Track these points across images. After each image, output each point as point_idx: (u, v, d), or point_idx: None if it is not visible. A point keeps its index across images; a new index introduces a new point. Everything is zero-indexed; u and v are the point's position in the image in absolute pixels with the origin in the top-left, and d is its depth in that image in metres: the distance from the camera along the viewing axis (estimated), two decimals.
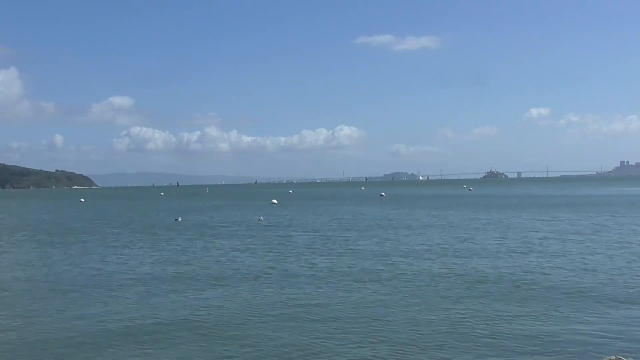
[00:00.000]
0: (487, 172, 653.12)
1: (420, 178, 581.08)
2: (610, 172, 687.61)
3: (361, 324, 15.36)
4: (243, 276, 23.20)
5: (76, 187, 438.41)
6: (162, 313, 17.23)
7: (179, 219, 57.22)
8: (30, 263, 28.79)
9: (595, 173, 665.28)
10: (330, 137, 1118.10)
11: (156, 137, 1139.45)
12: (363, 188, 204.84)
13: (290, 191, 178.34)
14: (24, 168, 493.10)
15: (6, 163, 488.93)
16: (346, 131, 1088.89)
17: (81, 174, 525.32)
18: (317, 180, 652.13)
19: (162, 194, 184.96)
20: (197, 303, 18.44)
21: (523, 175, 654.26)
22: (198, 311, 17.33)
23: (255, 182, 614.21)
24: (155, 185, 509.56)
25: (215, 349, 13.71)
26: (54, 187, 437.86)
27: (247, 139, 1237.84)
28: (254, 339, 14.31)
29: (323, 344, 13.85)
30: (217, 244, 35.13)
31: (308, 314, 16.61)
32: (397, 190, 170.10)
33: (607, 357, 11.54)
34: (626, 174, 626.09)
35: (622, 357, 11.26)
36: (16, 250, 34.86)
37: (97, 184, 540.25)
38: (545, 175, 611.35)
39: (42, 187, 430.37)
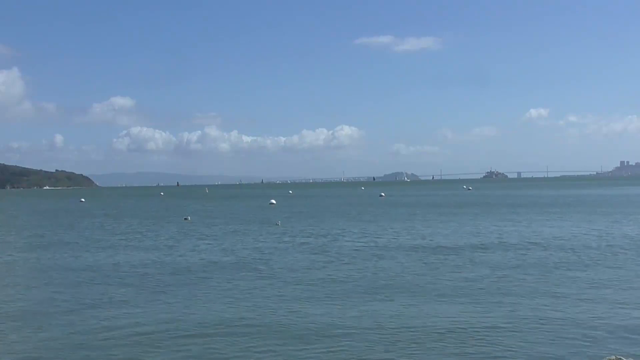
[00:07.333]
0: (487, 172, 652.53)
1: (405, 179, 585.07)
2: (610, 172, 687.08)
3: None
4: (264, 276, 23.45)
5: (45, 187, 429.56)
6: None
7: (189, 218, 57.35)
8: (63, 260, 29.00)
9: (595, 173, 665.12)
10: (330, 137, 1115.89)
11: (156, 137, 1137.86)
12: (362, 188, 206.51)
13: (290, 192, 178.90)
14: (24, 168, 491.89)
15: (6, 163, 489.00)
16: (346, 131, 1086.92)
17: (81, 174, 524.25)
18: (310, 181, 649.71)
19: (162, 194, 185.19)
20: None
21: (523, 175, 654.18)
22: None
23: (262, 181, 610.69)
24: (160, 184, 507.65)
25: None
26: (46, 187, 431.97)
27: (247, 139, 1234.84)
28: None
29: None
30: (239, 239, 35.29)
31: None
32: (398, 190, 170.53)
33: (607, 357, 11.52)
34: (626, 174, 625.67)
35: (622, 357, 11.29)
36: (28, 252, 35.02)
37: (97, 184, 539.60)
38: (545, 175, 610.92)
39: (43, 187, 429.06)
